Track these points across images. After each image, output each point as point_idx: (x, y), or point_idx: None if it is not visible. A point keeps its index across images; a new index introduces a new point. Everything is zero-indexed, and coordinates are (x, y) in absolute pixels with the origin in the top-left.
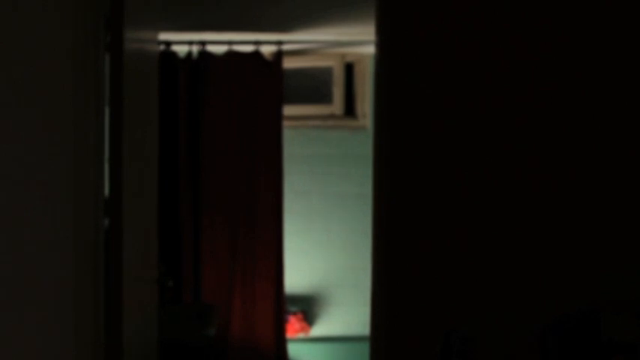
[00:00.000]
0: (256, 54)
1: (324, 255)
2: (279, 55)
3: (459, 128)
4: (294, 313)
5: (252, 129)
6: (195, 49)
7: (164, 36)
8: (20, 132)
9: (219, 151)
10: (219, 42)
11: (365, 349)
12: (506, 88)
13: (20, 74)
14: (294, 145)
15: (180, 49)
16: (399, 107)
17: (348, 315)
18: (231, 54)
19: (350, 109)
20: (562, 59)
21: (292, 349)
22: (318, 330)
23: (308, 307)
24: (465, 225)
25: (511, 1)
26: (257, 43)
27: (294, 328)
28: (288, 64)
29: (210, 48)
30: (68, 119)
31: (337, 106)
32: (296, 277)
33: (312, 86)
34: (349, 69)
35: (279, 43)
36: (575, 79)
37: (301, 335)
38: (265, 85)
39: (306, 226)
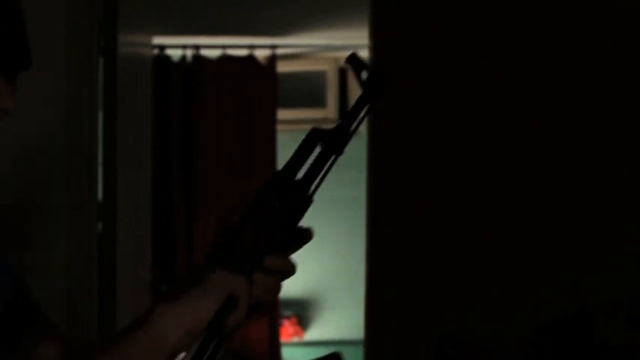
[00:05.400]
0: (250, 58)
1: (318, 259)
2: (272, 59)
3: (454, 130)
4: (288, 317)
5: (247, 132)
6: (189, 53)
7: (158, 40)
8: (19, 132)
9: (213, 154)
10: (213, 46)
11: (359, 353)
12: (503, 89)
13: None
14: (288, 150)
15: (174, 53)
16: (394, 109)
17: (342, 319)
18: (225, 58)
19: (343, 113)
20: (559, 60)
21: (286, 353)
22: (312, 334)
23: (302, 311)
24: (458, 228)
25: (509, 2)
26: (251, 47)
27: (287, 332)
28: (282, 68)
29: (204, 52)
30: (66, 121)
31: (331, 110)
32: (290, 281)
33: (306, 90)
34: (343, 73)
35: (273, 47)
36: (572, 80)
37: (295, 339)
38: (259, 89)
39: None
